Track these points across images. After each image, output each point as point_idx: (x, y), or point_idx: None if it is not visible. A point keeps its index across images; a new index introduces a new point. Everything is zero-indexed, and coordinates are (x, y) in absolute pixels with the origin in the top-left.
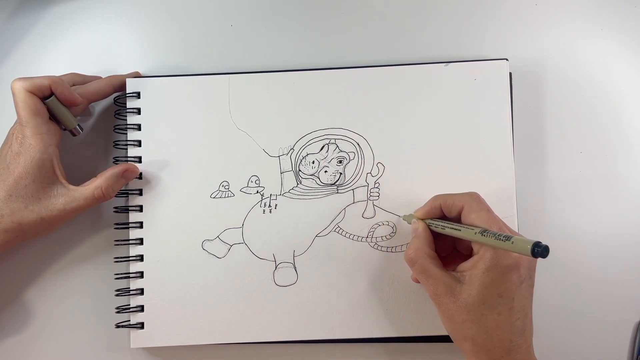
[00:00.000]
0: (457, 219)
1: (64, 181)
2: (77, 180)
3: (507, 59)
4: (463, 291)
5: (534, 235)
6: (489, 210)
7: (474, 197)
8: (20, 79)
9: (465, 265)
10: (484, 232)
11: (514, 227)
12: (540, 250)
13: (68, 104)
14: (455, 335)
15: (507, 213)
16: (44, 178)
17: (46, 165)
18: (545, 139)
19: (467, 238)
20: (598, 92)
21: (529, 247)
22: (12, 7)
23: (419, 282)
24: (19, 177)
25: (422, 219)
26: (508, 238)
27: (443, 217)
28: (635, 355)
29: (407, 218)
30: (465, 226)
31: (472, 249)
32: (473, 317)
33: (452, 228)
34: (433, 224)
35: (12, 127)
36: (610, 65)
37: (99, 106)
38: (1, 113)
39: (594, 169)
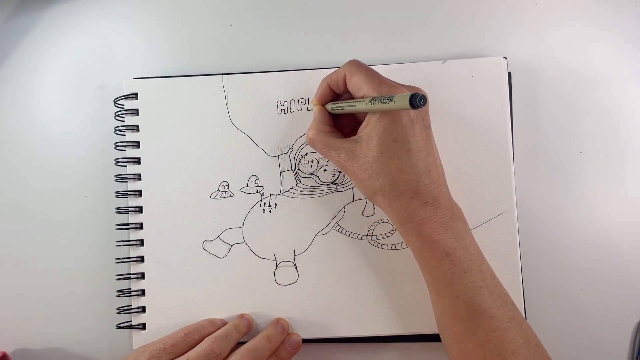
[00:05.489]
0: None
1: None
2: (78, 182)
3: (505, 57)
4: (362, 149)
5: (534, 235)
6: (368, 69)
7: (352, 62)
8: None
9: (360, 128)
10: (372, 100)
11: (514, 225)
12: (417, 100)
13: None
14: (368, 193)
15: (507, 211)
16: None
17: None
18: (545, 138)
19: (362, 110)
20: (598, 92)
21: (407, 101)
22: (12, 7)
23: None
24: None
25: (318, 105)
26: (390, 99)
27: (337, 97)
28: (635, 355)
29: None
30: (359, 100)
31: None
32: (377, 169)
33: (349, 106)
34: (334, 107)
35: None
36: (611, 65)
37: (100, 107)
38: (1, 112)
39: (594, 169)
